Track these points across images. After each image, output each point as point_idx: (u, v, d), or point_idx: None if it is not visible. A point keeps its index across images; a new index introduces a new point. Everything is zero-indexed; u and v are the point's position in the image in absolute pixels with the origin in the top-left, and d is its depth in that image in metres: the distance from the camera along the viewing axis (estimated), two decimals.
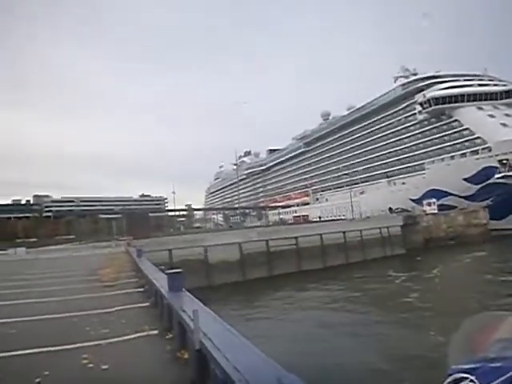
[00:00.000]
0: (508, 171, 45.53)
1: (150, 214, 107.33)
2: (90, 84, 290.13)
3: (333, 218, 71.38)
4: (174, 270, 7.42)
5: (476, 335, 1.20)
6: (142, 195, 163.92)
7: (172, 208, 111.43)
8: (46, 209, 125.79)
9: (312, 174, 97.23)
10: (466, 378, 0.93)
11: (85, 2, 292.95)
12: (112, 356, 5.03)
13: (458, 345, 1.22)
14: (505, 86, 54.54)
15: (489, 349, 1.06)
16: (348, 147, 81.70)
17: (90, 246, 39.94)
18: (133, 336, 5.94)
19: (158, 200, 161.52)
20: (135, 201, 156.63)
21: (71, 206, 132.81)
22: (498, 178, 46.49)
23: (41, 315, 7.73)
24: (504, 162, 46.00)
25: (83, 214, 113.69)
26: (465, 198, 50.19)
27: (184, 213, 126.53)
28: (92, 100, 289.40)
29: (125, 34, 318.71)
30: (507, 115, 50.45)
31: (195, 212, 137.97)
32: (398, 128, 66.85)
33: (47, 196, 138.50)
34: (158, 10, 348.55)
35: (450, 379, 0.97)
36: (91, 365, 4.67)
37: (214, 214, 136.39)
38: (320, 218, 76.12)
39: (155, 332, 6.07)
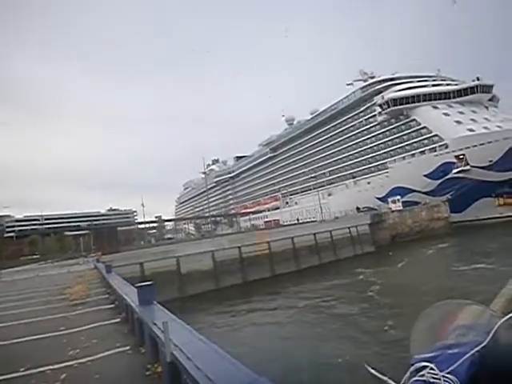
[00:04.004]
0: (464, 166, 47.88)
1: (119, 229, 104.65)
2: (50, 95, 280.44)
3: (303, 220, 72.34)
4: (143, 283, 7.31)
5: (436, 324, 1.34)
6: (110, 209, 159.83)
7: (142, 220, 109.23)
8: (8, 229, 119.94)
9: (280, 179, 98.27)
10: (427, 367, 1.07)
11: (61, 12, 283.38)
12: (85, 377, 4.93)
13: (419, 335, 1.35)
14: (457, 85, 57.30)
15: (448, 336, 1.20)
16: (313, 150, 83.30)
17: (57, 264, 38.57)
18: (104, 354, 5.85)
19: (126, 213, 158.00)
20: (103, 215, 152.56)
21: (35, 224, 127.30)
22: (455, 173, 48.84)
23: (7, 340, 7.46)
24: (460, 157, 48.34)
25: (48, 233, 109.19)
26: (426, 193, 52.32)
27: (154, 225, 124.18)
28: (52, 112, 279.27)
29: (90, 46, 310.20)
30: (461, 113, 53.08)
31: (166, 223, 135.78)
32: (360, 129, 69.01)
33: (8, 216, 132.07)
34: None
35: (412, 369, 1.11)
36: None
37: (185, 223, 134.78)
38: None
39: (127, 348, 6.00)
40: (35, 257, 79.87)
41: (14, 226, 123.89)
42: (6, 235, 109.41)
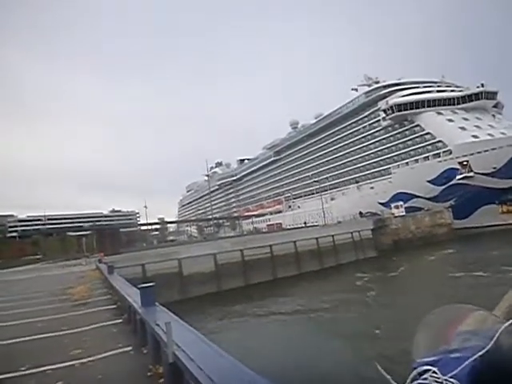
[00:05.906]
0: (468, 172, 47.71)
1: (122, 230, 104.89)
2: (55, 96, 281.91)
3: (306, 224, 72.08)
4: (146, 285, 7.35)
5: (439, 328, 1.34)
6: (113, 210, 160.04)
7: (144, 222, 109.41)
8: (11, 229, 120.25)
9: (283, 183, 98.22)
10: (429, 370, 1.07)
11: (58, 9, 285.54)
12: (86, 377, 4.94)
13: (421, 339, 1.36)
14: (461, 91, 57.20)
15: (451, 341, 1.21)
16: (317, 155, 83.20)
17: (60, 264, 38.65)
18: (107, 354, 5.86)
19: (129, 215, 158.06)
20: (106, 216, 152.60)
21: (38, 224, 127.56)
22: (459, 179, 48.65)
23: (10, 339, 7.48)
24: (464, 163, 48.17)
25: (50, 233, 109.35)
26: (430, 199, 52.14)
27: (157, 226, 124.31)
28: (58, 113, 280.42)
29: (90, 45, 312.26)
30: (465, 119, 52.96)
31: (168, 225, 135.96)
32: (364, 134, 68.88)
33: (11, 215, 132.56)
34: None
35: (414, 372, 1.12)
36: None
37: (187, 226, 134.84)
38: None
39: (129, 348, 6.02)
40: (38, 257, 79.96)
41: (16, 226, 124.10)
42: (9, 235, 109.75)
